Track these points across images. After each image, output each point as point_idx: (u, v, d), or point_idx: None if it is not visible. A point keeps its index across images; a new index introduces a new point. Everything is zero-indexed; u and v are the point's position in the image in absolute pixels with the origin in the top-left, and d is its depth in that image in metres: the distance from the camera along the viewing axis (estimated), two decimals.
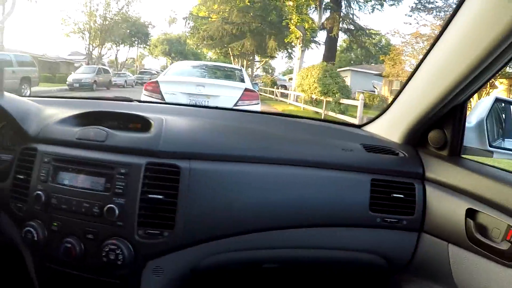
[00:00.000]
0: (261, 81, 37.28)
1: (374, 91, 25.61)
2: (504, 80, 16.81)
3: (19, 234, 1.23)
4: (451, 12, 1.11)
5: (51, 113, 1.43)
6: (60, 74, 30.19)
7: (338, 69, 19.84)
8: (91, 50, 35.58)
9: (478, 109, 1.39)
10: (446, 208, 1.22)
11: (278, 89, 28.46)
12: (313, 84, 15.58)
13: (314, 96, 16.01)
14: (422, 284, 1.35)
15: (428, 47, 1.23)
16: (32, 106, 1.46)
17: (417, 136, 1.43)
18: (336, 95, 13.96)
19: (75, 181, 1.20)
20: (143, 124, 1.37)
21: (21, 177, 1.26)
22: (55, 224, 1.20)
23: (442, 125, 1.33)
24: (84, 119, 1.39)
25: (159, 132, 1.27)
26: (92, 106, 1.56)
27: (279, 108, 18.52)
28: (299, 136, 1.51)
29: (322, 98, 14.88)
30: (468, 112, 1.33)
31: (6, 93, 1.42)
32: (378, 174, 1.31)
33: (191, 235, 1.19)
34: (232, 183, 1.23)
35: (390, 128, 1.54)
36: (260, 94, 30.42)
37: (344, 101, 13.70)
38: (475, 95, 1.24)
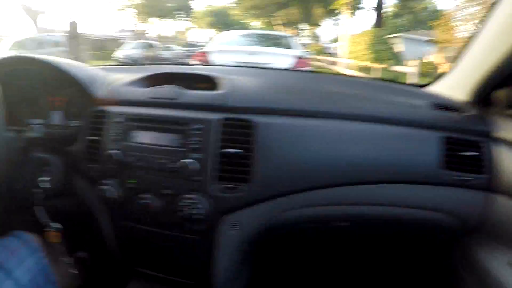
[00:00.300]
0: (311, 49, 36.76)
1: (425, 58, 24.68)
2: None
3: (94, 193, 1.26)
4: None
5: (117, 77, 1.47)
6: (107, 51, 30.84)
7: (389, 36, 19.23)
8: (137, 26, 36.06)
9: None
10: None
11: (328, 56, 27.85)
12: (364, 51, 15.16)
13: (365, 63, 15.59)
14: (495, 248, 1.28)
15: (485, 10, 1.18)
16: (99, 71, 1.50)
17: (485, 94, 1.35)
18: (389, 61, 13.51)
19: (150, 138, 1.23)
20: (210, 83, 1.38)
21: (94, 138, 1.28)
22: (131, 181, 1.22)
23: (510, 83, 1.26)
24: (151, 80, 1.43)
25: (229, 90, 1.29)
26: (157, 70, 1.57)
27: None
28: (365, 93, 1.49)
29: (373, 65, 14.47)
30: None
31: (71, 61, 1.47)
32: (447, 131, 1.27)
33: (267, 189, 1.19)
34: (305, 137, 1.22)
35: (456, 87, 1.48)
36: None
37: (396, 67, 13.26)
38: None
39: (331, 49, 38.41)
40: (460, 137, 1.26)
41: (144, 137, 1.23)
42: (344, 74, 1.70)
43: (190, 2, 46.58)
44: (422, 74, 17.31)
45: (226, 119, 1.19)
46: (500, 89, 1.30)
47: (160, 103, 1.28)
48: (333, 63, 25.28)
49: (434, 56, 26.02)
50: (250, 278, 1.60)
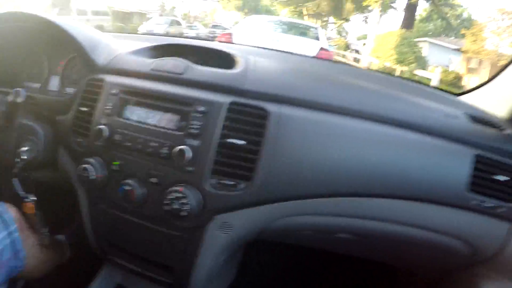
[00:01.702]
0: (335, 44, 36.34)
1: (449, 67, 24.36)
2: None
3: (76, 171, 1.11)
4: None
5: (123, 44, 1.34)
6: (132, 24, 30.90)
7: (415, 39, 19.01)
8: (165, 1, 36.09)
9: None
10: None
11: (351, 52, 27.64)
12: (389, 51, 15.10)
13: (388, 64, 15.53)
14: (504, 285, 1.20)
15: None
16: (104, 36, 1.36)
17: None
18: (412, 65, 13.47)
19: (144, 116, 1.08)
20: (227, 60, 1.23)
21: (84, 109, 1.16)
22: (116, 163, 1.08)
23: None
24: (160, 50, 1.30)
25: (245, 70, 1.14)
26: (167, 41, 1.42)
27: None
28: (396, 93, 1.33)
29: (396, 66, 14.43)
30: None
31: (76, 23, 1.34)
32: (483, 150, 1.12)
33: (270, 190, 1.02)
34: (325, 136, 1.05)
35: (496, 100, 1.36)
36: None
37: (419, 72, 13.22)
38: None
39: (357, 45, 38.03)
40: (496, 158, 1.11)
41: (139, 114, 1.09)
42: (376, 70, 1.56)
43: None
44: (444, 82, 17.19)
45: (234, 103, 1.03)
46: None
47: (163, 77, 1.13)
48: (356, 60, 25.17)
49: (458, 66, 25.73)
50: (233, 279, 1.54)
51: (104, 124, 1.08)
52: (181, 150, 0.98)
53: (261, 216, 1.06)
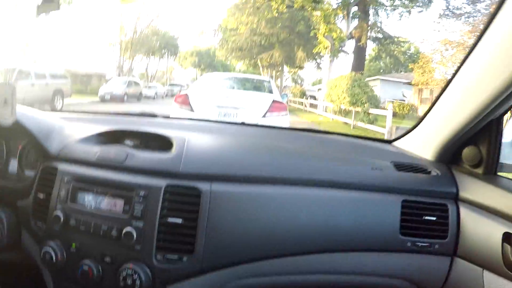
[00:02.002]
0: (291, 92, 37.27)
1: (404, 100, 25.22)
2: None
3: (38, 253, 1.21)
4: (485, 23, 1.05)
5: (73, 130, 1.43)
6: (91, 86, 31.08)
7: (367, 78, 19.65)
8: (122, 63, 36.49)
9: None
10: (481, 231, 1.13)
11: (307, 99, 28.35)
12: (341, 94, 15.50)
13: (343, 107, 15.89)
14: None
15: (461, 56, 1.17)
16: (56, 122, 1.46)
17: (450, 153, 1.35)
18: (365, 105, 13.81)
19: (94, 202, 1.19)
20: (164, 142, 1.35)
21: (42, 196, 1.27)
22: (74, 245, 1.18)
23: (476, 141, 1.26)
24: (105, 137, 1.40)
25: (180, 152, 1.25)
26: (116, 123, 1.57)
27: (308, 119, 18.47)
28: (326, 153, 1.45)
29: (351, 108, 14.77)
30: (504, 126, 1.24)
31: (29, 109, 1.42)
32: (409, 194, 1.23)
33: (212, 260, 1.14)
34: (255, 206, 1.17)
35: (422, 144, 1.46)
36: (290, 105, 29.93)
37: (373, 111, 13.55)
38: None
39: (313, 91, 39.12)
40: (423, 200, 1.22)
41: (90, 200, 1.19)
42: (314, 130, 1.61)
43: (177, 41, 47.21)
44: (400, 116, 17.70)
45: (170, 186, 1.14)
46: (467, 146, 1.29)
47: (108, 165, 1.24)
48: (313, 105, 25.74)
49: (411, 98, 26.68)
50: None
51: (59, 210, 1.19)
52: (127, 231, 1.10)
53: (209, 283, 1.16)
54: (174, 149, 1.27)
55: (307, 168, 1.28)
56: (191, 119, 2.00)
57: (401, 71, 34.66)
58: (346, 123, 15.42)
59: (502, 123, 1.22)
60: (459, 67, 1.18)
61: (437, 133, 1.35)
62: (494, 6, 1.02)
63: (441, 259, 1.21)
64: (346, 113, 15.80)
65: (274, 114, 5.45)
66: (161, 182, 1.15)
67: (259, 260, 1.17)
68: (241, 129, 1.84)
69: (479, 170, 1.26)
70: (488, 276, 1.11)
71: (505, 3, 0.97)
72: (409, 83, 26.16)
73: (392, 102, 17.02)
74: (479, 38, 1.08)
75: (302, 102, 28.71)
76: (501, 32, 1.00)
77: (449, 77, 1.26)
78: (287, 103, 7.41)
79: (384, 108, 13.01)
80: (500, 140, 1.23)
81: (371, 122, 13.66)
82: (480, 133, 1.24)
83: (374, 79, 32.01)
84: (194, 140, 1.34)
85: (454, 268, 1.20)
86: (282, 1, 20.95)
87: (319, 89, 30.58)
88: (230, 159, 1.28)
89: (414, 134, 1.53)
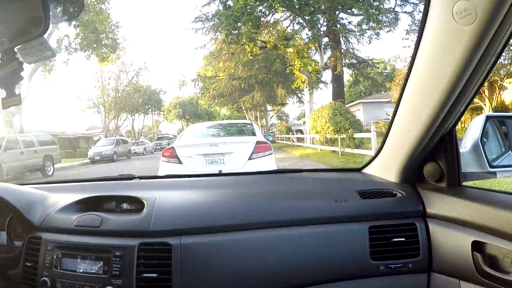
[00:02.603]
0: (277, 129, 37.54)
1: (389, 119, 25.50)
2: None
3: None
4: (415, 41, 1.08)
5: (54, 200, 1.53)
6: (80, 148, 31.18)
7: (349, 104, 19.89)
8: (107, 122, 36.72)
9: (470, 131, 1.34)
10: (452, 243, 1.16)
11: (294, 134, 28.59)
12: (325, 124, 15.64)
13: (328, 136, 16.00)
14: None
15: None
16: (37, 196, 1.57)
17: (412, 172, 1.38)
18: (349, 131, 13.93)
19: (76, 265, 1.29)
20: (137, 203, 1.43)
21: (29, 264, 1.37)
22: None
23: (435, 156, 1.29)
24: (82, 204, 1.48)
25: (150, 212, 1.33)
26: (95, 189, 1.65)
27: (296, 153, 18.58)
28: (291, 193, 1.49)
29: (336, 136, 14.87)
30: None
31: (11, 185, 1.56)
32: (376, 220, 1.27)
33: None
34: (224, 253, 1.24)
35: (386, 167, 1.50)
36: (278, 142, 29.91)
37: (358, 135, 13.66)
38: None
39: (299, 125, 39.49)
40: (390, 223, 1.26)
41: (72, 264, 1.29)
42: (285, 170, 1.68)
43: (159, 95, 47.57)
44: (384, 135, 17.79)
45: (143, 244, 1.24)
46: (427, 163, 1.32)
47: (85, 231, 1.34)
48: (300, 139, 25.91)
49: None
50: None
51: (46, 276, 1.29)
52: None
53: None
54: (145, 210, 1.35)
55: (271, 210, 1.35)
56: (166, 176, 2.09)
57: (381, 91, 35.23)
58: (334, 151, 15.54)
59: (454, 135, 1.25)
60: (403, 89, 1.21)
61: (396, 155, 1.38)
62: (420, 26, 1.05)
63: (418, 277, 1.23)
64: (333, 142, 15.91)
65: (260, 154, 5.50)
66: (134, 242, 1.25)
67: None
68: (214, 180, 1.88)
69: (443, 184, 1.29)
70: (465, 286, 1.12)
71: (427, 22, 1.01)
72: (390, 102, 26.60)
73: (377, 122, 17.18)
74: (413, 59, 1.11)
75: (289, 138, 28.96)
76: (428, 53, 1.04)
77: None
78: (274, 141, 7.49)
79: (368, 131, 13.09)
80: (457, 151, 1.26)
81: (358, 146, 13.76)
82: (436, 148, 1.27)
83: (355, 104, 32.46)
84: (164, 199, 1.42)
85: (433, 283, 1.22)
86: (255, 44, 21.35)
87: (304, 122, 30.84)
88: (197, 213, 1.36)
89: (379, 159, 1.57)
